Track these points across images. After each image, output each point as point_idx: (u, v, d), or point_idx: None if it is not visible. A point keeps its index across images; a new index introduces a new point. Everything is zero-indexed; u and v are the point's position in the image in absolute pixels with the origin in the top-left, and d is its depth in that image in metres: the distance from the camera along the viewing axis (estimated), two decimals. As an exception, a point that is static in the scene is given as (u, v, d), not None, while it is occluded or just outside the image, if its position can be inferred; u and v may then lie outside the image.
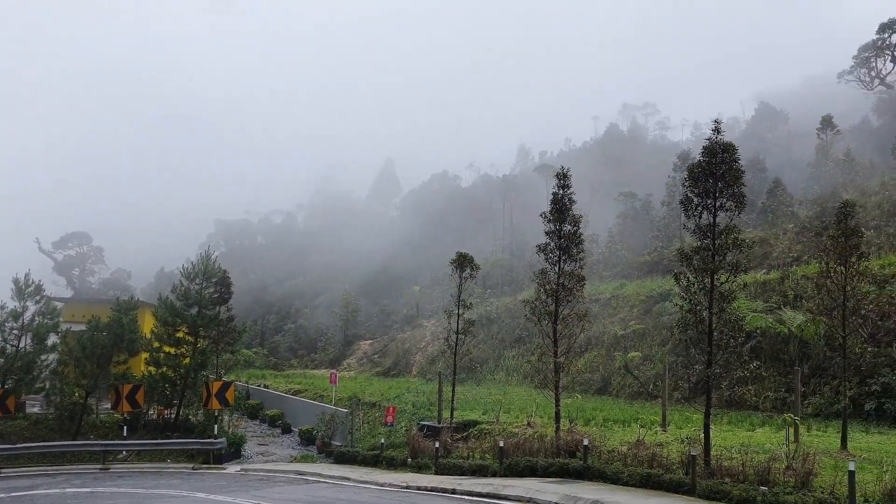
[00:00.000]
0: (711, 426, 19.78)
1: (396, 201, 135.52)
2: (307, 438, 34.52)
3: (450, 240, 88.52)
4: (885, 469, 16.10)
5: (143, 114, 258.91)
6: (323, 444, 31.97)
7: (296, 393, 45.74)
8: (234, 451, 31.94)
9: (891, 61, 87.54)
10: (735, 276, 23.43)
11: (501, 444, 22.81)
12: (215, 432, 31.69)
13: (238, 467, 29.06)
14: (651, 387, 37.98)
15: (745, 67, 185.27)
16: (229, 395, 32.57)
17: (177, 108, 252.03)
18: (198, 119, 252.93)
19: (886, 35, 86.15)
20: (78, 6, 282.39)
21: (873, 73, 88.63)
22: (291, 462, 30.62)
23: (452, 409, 29.17)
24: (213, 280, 36.78)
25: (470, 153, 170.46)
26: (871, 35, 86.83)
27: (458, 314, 29.55)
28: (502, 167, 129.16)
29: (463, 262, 30.14)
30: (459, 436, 27.78)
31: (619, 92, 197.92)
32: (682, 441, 21.91)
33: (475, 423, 28.99)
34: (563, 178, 25.97)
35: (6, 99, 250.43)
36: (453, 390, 29.54)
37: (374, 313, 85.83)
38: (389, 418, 30.43)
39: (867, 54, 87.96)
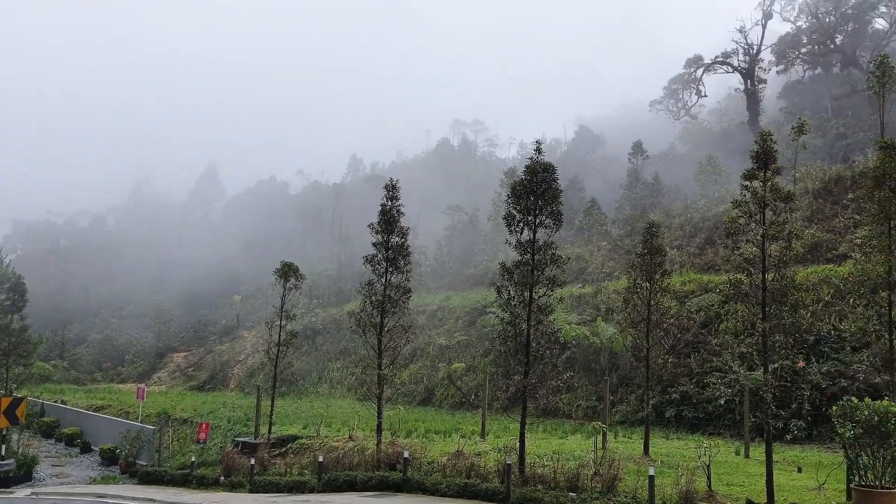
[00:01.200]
0: (527, 434, 20.44)
1: (219, 206, 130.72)
2: (109, 458, 32.23)
3: (277, 248, 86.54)
4: (681, 473, 17.29)
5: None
6: (126, 465, 29.96)
7: (98, 409, 42.74)
8: (24, 474, 29.19)
9: (695, 94, 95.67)
10: (552, 290, 24.46)
11: (321, 458, 22.37)
12: (2, 453, 28.84)
13: (28, 491, 26.54)
14: (473, 397, 38.88)
15: (569, 91, 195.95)
16: (20, 412, 29.63)
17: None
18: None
19: (692, 69, 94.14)
20: None
21: (680, 104, 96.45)
22: (90, 484, 28.44)
23: (271, 424, 28.33)
24: (6, 286, 33.80)
25: (300, 160, 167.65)
26: (680, 68, 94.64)
27: (280, 325, 28.80)
28: (333, 175, 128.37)
29: (288, 272, 29.45)
30: (278, 451, 27.00)
31: (451, 108, 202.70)
32: (500, 450, 22.47)
33: (295, 437, 28.28)
34: (392, 189, 26.06)
35: None
36: (273, 404, 28.72)
37: (189, 324, 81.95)
38: (202, 435, 28.97)
39: (675, 86, 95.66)
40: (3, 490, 26.74)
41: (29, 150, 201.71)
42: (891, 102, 51.48)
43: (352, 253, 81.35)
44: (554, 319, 30.11)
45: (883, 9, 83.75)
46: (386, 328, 25.06)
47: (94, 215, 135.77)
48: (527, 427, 20.32)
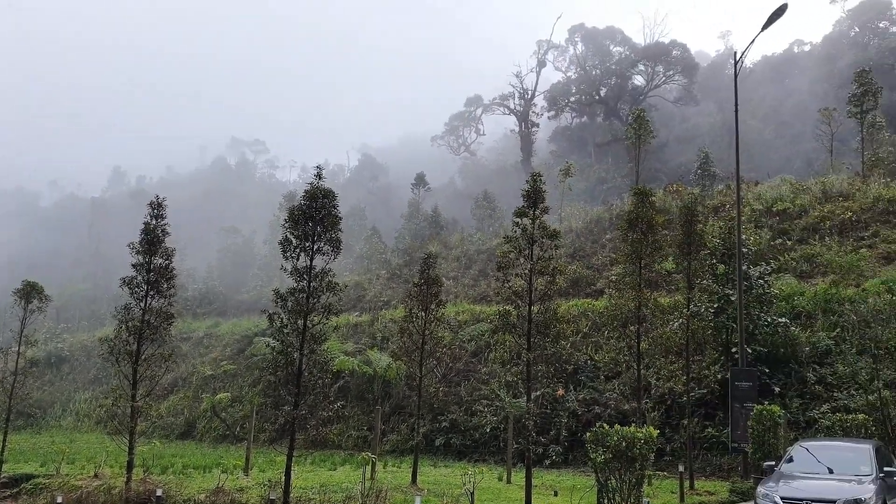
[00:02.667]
0: (295, 467, 19.68)
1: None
2: None
3: (24, 265, 78.25)
4: (446, 501, 17.34)
5: None
6: None
7: None
8: None
9: (474, 132, 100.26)
10: (328, 318, 23.94)
11: (59, 499, 20.02)
12: None
13: None
14: (238, 429, 37.09)
15: (356, 119, 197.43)
16: None
17: None
18: None
19: (472, 108, 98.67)
20: None
21: (460, 141, 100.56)
22: None
23: (1, 462, 25.08)
24: None
25: (54, 169, 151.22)
26: (460, 106, 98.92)
27: (18, 352, 25.69)
28: (93, 188, 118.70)
29: (30, 293, 26.38)
30: (8, 493, 23.91)
31: (230, 125, 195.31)
32: (264, 485, 21.43)
33: (30, 476, 25.18)
34: (157, 207, 24.29)
35: None
36: (4, 440, 25.45)
37: None
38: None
39: (456, 123, 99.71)
40: None
41: None
42: (645, 153, 56.90)
43: (110, 273, 75.41)
44: (328, 348, 29.60)
45: (641, 67, 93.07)
46: (143, 356, 23.17)
47: None
48: (295, 459, 19.54)
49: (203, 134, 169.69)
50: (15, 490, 24.17)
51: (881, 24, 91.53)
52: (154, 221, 24.16)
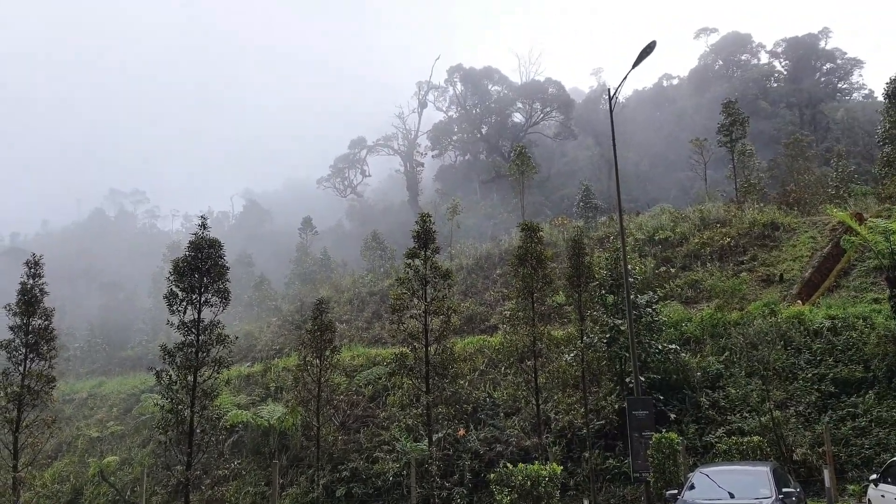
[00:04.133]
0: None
1: None
2: None
3: None
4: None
5: None
6: None
7: None
8: None
9: (360, 173, 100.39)
10: (219, 372, 23.28)
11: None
12: None
13: None
14: (129, 493, 35.20)
15: (237, 166, 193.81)
16: None
17: None
18: None
19: (357, 150, 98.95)
20: None
21: (346, 182, 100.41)
22: None
23: None
24: None
25: None
26: (344, 149, 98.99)
27: None
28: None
29: None
30: None
31: (104, 178, 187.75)
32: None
33: None
34: (34, 266, 23.32)
35: None
36: None
37: None
38: None
39: (342, 165, 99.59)
40: None
41: None
42: (529, 187, 58.57)
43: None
44: (219, 403, 28.69)
45: (519, 105, 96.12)
46: (24, 423, 21.87)
47: None
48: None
49: (79, 187, 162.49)
50: None
51: (743, 57, 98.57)
52: (31, 281, 23.09)
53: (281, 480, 28.41)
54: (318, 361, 25.89)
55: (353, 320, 47.68)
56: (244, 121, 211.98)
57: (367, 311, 48.28)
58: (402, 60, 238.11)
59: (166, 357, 23.00)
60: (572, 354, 23.69)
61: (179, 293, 23.18)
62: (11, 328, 22.62)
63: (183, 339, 23.05)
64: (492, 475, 15.34)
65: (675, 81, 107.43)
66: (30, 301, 22.86)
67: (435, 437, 23.24)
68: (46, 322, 23.04)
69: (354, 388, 33.31)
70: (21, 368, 22.29)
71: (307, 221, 76.67)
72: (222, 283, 23.62)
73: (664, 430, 20.04)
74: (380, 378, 33.80)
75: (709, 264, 35.87)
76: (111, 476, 36.19)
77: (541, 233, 24.54)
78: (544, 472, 14.46)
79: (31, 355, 22.47)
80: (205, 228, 24.12)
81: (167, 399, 22.55)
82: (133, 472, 35.49)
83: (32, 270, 23.27)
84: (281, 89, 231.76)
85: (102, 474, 35.42)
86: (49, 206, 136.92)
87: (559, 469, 14.94)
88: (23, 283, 23.06)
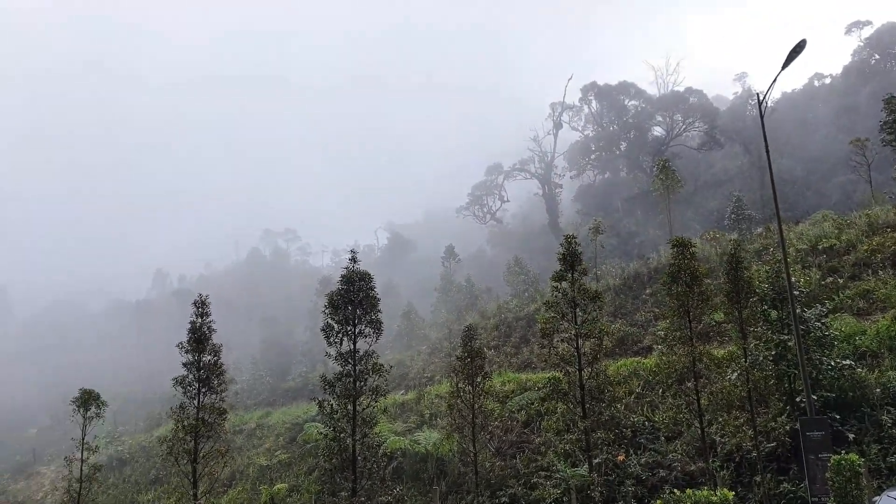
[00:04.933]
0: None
1: (9, 330, 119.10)
2: None
3: (75, 373, 79.30)
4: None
5: None
6: None
7: None
8: None
9: (498, 199, 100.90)
10: (376, 401, 23.90)
11: None
12: None
13: None
14: (297, 520, 36.57)
15: (378, 200, 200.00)
16: None
17: None
18: None
19: (493, 177, 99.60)
20: None
21: (485, 209, 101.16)
22: None
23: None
24: None
25: (99, 280, 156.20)
26: (481, 176, 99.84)
27: (81, 459, 25.92)
28: (137, 292, 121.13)
29: (88, 400, 26.82)
30: None
31: (258, 217, 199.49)
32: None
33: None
34: (201, 305, 24.81)
35: None
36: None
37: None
38: None
39: (479, 193, 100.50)
40: None
41: None
42: (674, 202, 56.71)
43: (159, 372, 76.19)
44: (379, 431, 29.40)
45: (659, 118, 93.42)
46: (201, 453, 23.26)
47: None
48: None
49: (236, 231, 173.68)
50: None
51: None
52: (199, 320, 24.58)
53: (441, 507, 28.63)
54: (470, 388, 25.99)
55: (501, 346, 47.70)
56: (385, 153, 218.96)
57: (514, 337, 48.18)
58: (535, 82, 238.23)
59: (326, 387, 23.89)
60: (736, 374, 22.48)
61: (335, 325, 24.07)
62: (185, 365, 24.16)
63: (341, 369, 23.87)
64: (658, 501, 14.75)
65: (828, 80, 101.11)
66: (199, 339, 24.35)
67: (594, 462, 22.69)
68: (215, 358, 24.45)
69: (508, 414, 33.20)
70: (195, 402, 23.75)
71: (450, 250, 77.77)
72: (374, 314, 24.32)
73: (843, 452, 18.62)
74: (532, 403, 33.53)
75: (881, 272, 33.17)
76: (281, 502, 37.77)
77: (693, 248, 23.59)
78: (715, 499, 13.76)
79: (204, 389, 23.89)
80: (355, 262, 24.97)
81: (329, 427, 23.37)
82: (301, 499, 36.84)
83: (200, 310, 24.77)
84: (417, 123, 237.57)
85: (273, 501, 37.03)
86: (210, 248, 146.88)
87: (731, 495, 14.16)
88: (192, 323, 24.60)
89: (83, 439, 26.18)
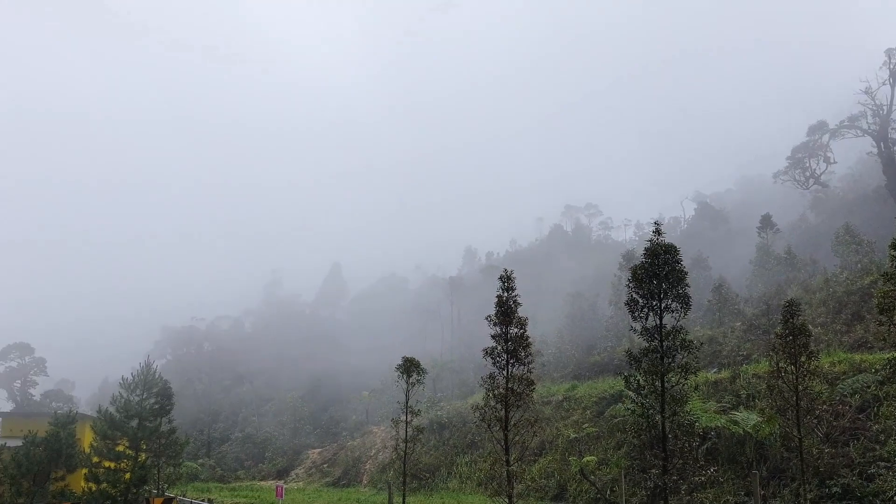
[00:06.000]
0: (670, 539, 18.67)
1: (344, 304, 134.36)
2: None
3: (398, 342, 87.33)
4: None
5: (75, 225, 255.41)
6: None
7: (241, 508, 43.07)
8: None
9: (823, 161, 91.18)
10: (686, 378, 22.93)
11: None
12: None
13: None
14: (608, 492, 36.66)
15: (683, 169, 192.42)
16: (171, 510, 30.53)
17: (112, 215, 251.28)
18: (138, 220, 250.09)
19: (817, 136, 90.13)
20: None
21: (808, 173, 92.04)
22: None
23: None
24: (154, 390, 35.36)
25: (417, 256, 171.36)
26: (801, 136, 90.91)
27: (405, 421, 28.42)
28: (449, 269, 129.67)
29: (409, 367, 29.23)
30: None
31: (561, 194, 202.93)
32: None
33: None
34: (507, 280, 25.62)
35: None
36: (404, 501, 27.97)
37: (322, 420, 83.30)
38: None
39: (800, 155, 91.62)
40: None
41: (174, 256, 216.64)
42: None
43: (471, 344, 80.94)
44: (690, 409, 28.25)
45: None
46: (511, 422, 24.19)
47: (233, 319, 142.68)
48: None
49: (539, 207, 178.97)
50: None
51: None
52: (506, 294, 25.47)
53: (762, 492, 26.82)
54: (792, 368, 23.91)
55: (828, 323, 43.43)
56: (687, 123, 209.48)
57: (844, 313, 43.58)
58: (863, 28, 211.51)
59: (632, 362, 23.48)
60: None
61: (640, 300, 23.49)
62: (493, 336, 25.23)
63: (647, 344, 23.29)
64: None
65: None
66: (506, 312, 25.23)
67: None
68: (522, 330, 25.17)
69: (838, 398, 30.11)
70: (504, 373, 24.72)
71: (766, 219, 72.29)
72: (681, 287, 23.31)
73: None
74: (868, 386, 30.08)
75: None
76: (591, 475, 38.16)
77: None
78: None
79: (512, 361, 24.77)
80: (659, 234, 24.13)
81: (637, 404, 22.98)
82: (610, 473, 36.85)
83: (506, 284, 25.66)
84: (730, 80, 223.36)
85: (583, 472, 37.54)
86: (516, 226, 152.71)
87: None
88: (499, 297, 25.57)
89: (406, 403, 28.64)
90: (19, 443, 35.27)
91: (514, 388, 24.29)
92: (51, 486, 33.65)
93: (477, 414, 24.72)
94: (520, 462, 24.40)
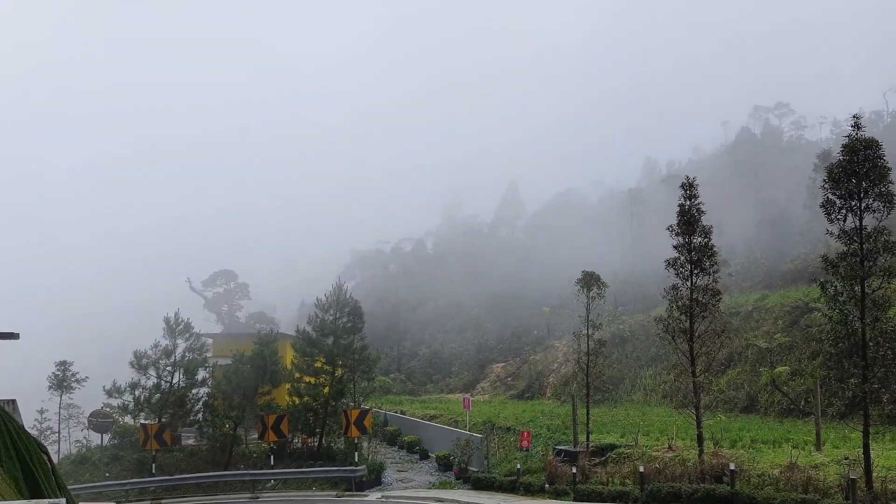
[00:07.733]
0: (872, 445, 18.23)
1: (521, 223, 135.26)
2: (444, 464, 34.53)
3: (577, 258, 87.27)
4: None
5: (275, 158, 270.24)
6: (460, 470, 31.85)
7: (431, 418, 45.97)
8: (374, 479, 32.30)
9: None
10: (889, 282, 21.67)
11: (641, 469, 21.92)
12: (356, 459, 32.26)
13: (379, 494, 29.42)
14: (802, 404, 35.63)
15: (882, 59, 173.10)
16: (367, 422, 33.13)
17: (304, 148, 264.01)
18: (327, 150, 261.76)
19: None
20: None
21: None
22: (430, 489, 30.65)
23: (588, 433, 28.36)
24: (346, 310, 37.69)
25: (594, 170, 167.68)
26: None
27: (587, 335, 28.93)
28: (628, 181, 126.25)
29: (590, 282, 29.48)
30: (597, 460, 26.95)
31: (748, 95, 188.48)
32: (840, 463, 20.31)
33: (613, 446, 28.03)
34: (689, 188, 25.02)
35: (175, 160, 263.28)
36: (588, 413, 28.76)
37: (504, 336, 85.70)
38: (525, 443, 29.97)
39: None
40: (358, 493, 29.96)
41: (364, 184, 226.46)
42: None
43: (652, 257, 79.23)
44: (893, 315, 26.67)
45: None
46: (696, 333, 24.02)
47: (416, 241, 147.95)
48: (871, 437, 18.10)
49: (724, 111, 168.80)
50: (602, 458, 27.23)
51: None
52: (688, 202, 24.93)
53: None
54: None
55: None
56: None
57: None
58: None
59: (829, 268, 22.43)
60: None
61: (836, 201, 22.26)
62: (675, 247, 24.84)
63: (844, 248, 22.14)
64: None
65: None
66: (688, 221, 24.68)
67: None
68: (706, 239, 24.58)
69: None
70: (688, 283, 24.43)
71: None
72: (884, 185, 21.80)
73: None
74: None
75: None
76: (783, 385, 37.18)
77: None
78: None
79: (696, 271, 24.37)
80: (859, 129, 22.54)
81: (834, 311, 22.05)
82: (805, 383, 35.73)
83: (688, 192, 24.99)
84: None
85: (774, 383, 36.66)
86: (697, 132, 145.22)
87: None
88: (681, 205, 25.00)
89: (587, 317, 29.06)
90: (229, 361, 38.84)
91: (699, 298, 24.01)
92: (258, 399, 37.09)
93: (660, 326, 24.71)
94: (706, 373, 24.29)
